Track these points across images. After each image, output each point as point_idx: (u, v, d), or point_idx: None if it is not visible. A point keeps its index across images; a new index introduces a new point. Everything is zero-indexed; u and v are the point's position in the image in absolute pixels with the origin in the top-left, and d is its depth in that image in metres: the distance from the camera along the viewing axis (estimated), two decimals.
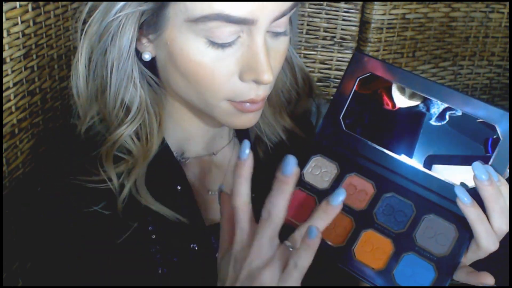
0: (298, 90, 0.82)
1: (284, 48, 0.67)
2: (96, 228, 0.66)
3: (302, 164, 0.70)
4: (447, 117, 0.67)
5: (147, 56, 0.67)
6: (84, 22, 0.66)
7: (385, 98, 0.70)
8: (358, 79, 0.69)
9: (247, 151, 0.57)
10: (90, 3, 0.66)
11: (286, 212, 0.57)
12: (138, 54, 0.67)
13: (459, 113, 0.65)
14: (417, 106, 0.69)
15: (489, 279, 0.61)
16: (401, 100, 0.69)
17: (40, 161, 0.78)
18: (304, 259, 0.53)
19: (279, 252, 0.56)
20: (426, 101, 0.68)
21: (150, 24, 0.64)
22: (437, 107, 0.67)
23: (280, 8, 0.62)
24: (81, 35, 0.66)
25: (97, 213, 0.65)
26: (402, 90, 0.69)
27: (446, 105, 0.65)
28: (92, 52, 0.66)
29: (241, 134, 0.82)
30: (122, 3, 0.62)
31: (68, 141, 0.72)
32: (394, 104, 0.70)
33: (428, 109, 0.68)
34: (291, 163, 0.57)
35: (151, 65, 0.69)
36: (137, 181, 0.68)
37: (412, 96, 0.69)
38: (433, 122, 0.69)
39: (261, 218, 0.57)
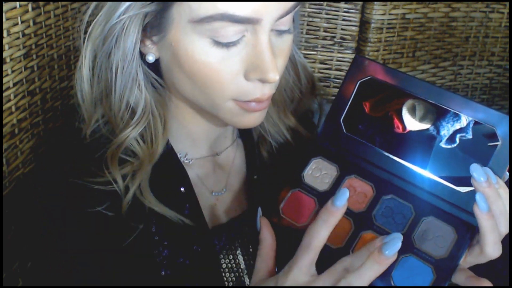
0: (301, 88, 0.82)
1: (288, 46, 0.67)
2: (98, 229, 0.65)
3: (302, 166, 0.70)
4: (457, 139, 0.69)
5: (151, 58, 0.66)
6: (86, 24, 0.66)
7: (396, 121, 0.71)
8: (359, 82, 0.69)
9: (344, 201, 0.59)
10: (92, 4, 0.65)
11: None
12: (142, 56, 0.67)
13: (469, 136, 0.67)
14: (427, 129, 0.70)
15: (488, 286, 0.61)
16: (412, 123, 0.71)
17: (41, 161, 0.78)
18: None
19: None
20: (436, 124, 0.69)
21: (154, 26, 0.63)
22: (448, 129, 0.68)
23: (284, 7, 0.61)
24: (84, 37, 0.65)
25: (100, 214, 0.65)
26: (412, 112, 0.70)
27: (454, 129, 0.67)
28: (96, 55, 0.66)
29: (244, 135, 0.82)
30: (125, 5, 0.61)
31: (73, 143, 0.71)
32: (404, 127, 0.71)
33: (438, 133, 0.70)
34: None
35: (155, 66, 0.69)
36: (141, 183, 0.67)
37: (422, 119, 0.70)
38: (443, 144, 0.70)
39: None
